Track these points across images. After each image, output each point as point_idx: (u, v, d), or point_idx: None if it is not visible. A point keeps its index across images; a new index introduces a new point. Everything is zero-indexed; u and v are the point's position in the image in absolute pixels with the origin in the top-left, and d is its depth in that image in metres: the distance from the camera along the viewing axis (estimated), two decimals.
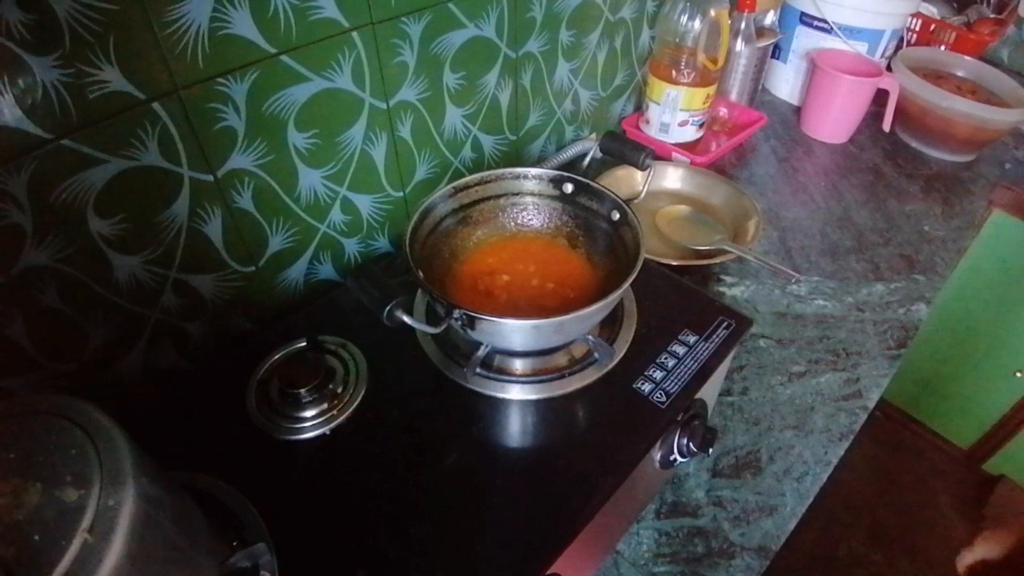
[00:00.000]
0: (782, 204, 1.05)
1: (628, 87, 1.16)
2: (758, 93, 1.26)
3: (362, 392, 0.62)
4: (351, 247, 0.81)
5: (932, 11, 1.38)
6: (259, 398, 0.62)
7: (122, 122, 0.53)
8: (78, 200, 0.52)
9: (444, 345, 0.66)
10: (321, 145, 0.69)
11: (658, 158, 1.11)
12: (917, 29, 1.37)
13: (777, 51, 1.29)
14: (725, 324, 0.66)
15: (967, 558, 0.75)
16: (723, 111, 1.21)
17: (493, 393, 0.62)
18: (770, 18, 1.17)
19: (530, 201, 0.70)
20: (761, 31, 1.15)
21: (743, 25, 1.11)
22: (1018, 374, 1.51)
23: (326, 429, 0.59)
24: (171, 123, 0.56)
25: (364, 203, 0.79)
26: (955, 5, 1.45)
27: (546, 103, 0.99)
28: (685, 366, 0.62)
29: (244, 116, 0.61)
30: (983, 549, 0.78)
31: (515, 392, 0.62)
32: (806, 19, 1.21)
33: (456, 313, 0.55)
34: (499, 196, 0.69)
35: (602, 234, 0.67)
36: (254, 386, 0.63)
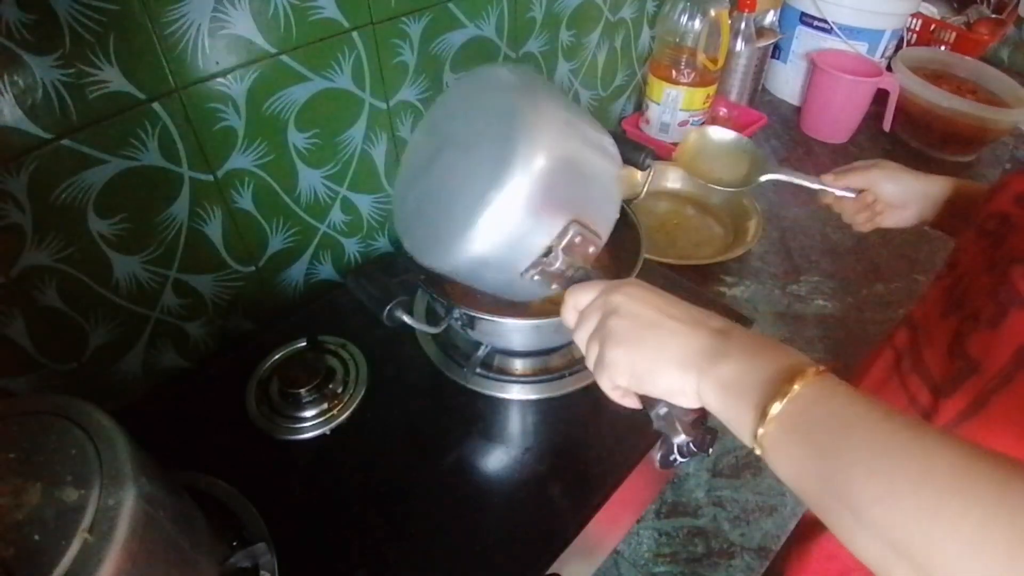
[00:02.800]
0: (782, 204, 1.05)
1: (628, 87, 1.16)
2: (758, 93, 1.26)
3: (362, 392, 0.62)
4: (351, 247, 0.81)
5: (932, 11, 1.38)
6: (259, 398, 0.62)
7: (122, 122, 0.53)
8: (78, 200, 0.52)
9: (444, 345, 0.66)
10: (321, 145, 0.69)
11: (658, 158, 1.11)
12: (917, 29, 1.37)
13: (777, 51, 1.29)
14: None
15: None
16: (723, 111, 1.21)
17: (493, 393, 0.62)
18: (770, 18, 1.17)
19: None
20: (761, 31, 1.15)
21: (743, 25, 1.11)
22: None
23: (326, 429, 0.60)
24: (171, 123, 0.56)
25: (364, 203, 0.79)
26: (955, 5, 1.45)
27: None
28: None
29: (244, 116, 0.61)
30: None
31: (515, 392, 0.62)
32: (806, 19, 1.21)
33: (456, 313, 0.55)
34: None
35: None
36: (254, 386, 0.63)
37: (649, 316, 0.37)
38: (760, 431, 0.32)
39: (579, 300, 0.41)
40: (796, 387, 0.31)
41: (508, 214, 0.39)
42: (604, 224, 0.44)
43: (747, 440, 0.34)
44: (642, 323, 0.37)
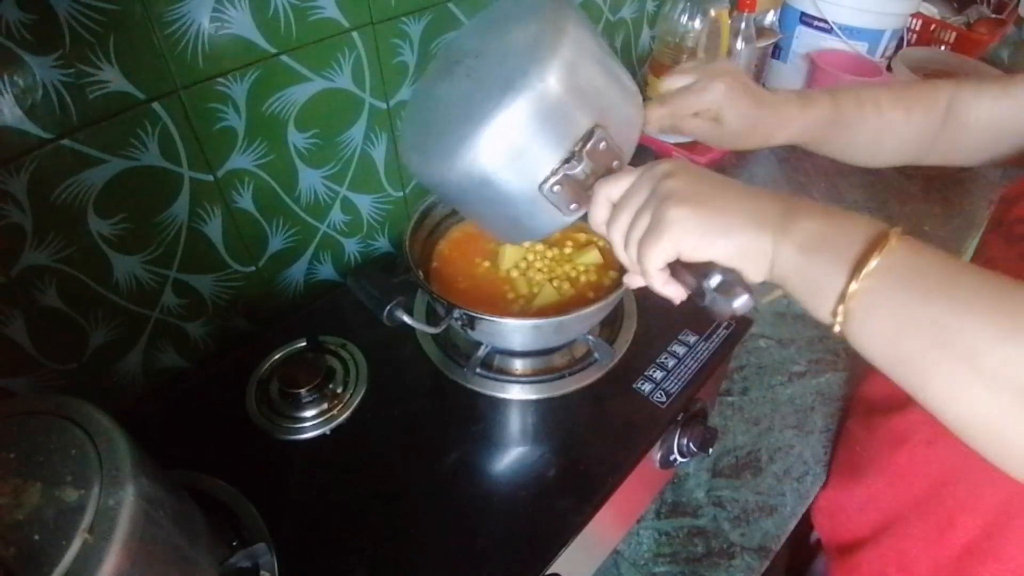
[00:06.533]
0: None
1: None
2: None
3: (362, 392, 0.62)
4: (351, 247, 0.81)
5: (932, 11, 1.38)
6: (259, 398, 0.62)
7: (122, 122, 0.53)
8: (78, 200, 0.52)
9: (444, 345, 0.66)
10: (321, 145, 0.69)
11: (658, 158, 1.11)
12: (917, 29, 1.37)
13: (777, 51, 1.29)
14: (725, 324, 0.66)
15: None
16: None
17: (493, 393, 0.62)
18: (770, 18, 1.17)
19: None
20: (761, 31, 1.15)
21: (743, 25, 1.11)
22: None
23: (326, 429, 0.60)
24: (171, 123, 0.56)
25: (364, 203, 0.79)
26: (955, 5, 1.45)
27: None
28: (685, 366, 0.62)
29: (244, 116, 0.61)
30: None
31: (515, 392, 0.62)
32: (806, 19, 1.21)
33: (456, 313, 0.55)
34: None
35: None
36: (254, 386, 0.63)
37: (709, 178, 0.35)
38: (853, 287, 0.30)
39: (613, 190, 0.39)
40: (892, 240, 0.29)
41: (536, 101, 0.37)
42: (626, 144, 0.42)
43: (829, 304, 0.31)
44: (705, 183, 0.35)
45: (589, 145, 0.40)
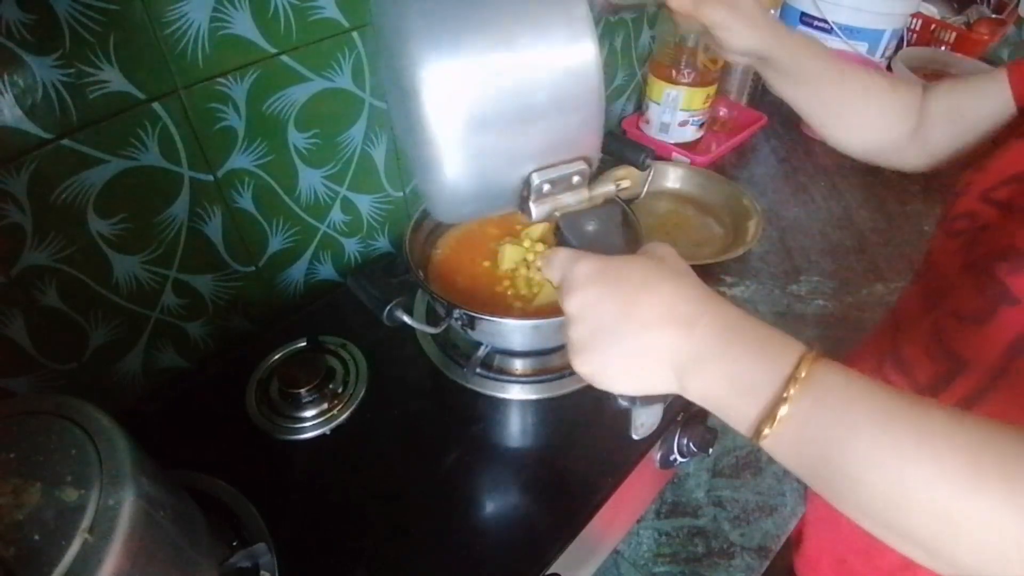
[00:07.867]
0: (782, 204, 1.05)
1: (628, 87, 1.16)
2: (758, 93, 1.26)
3: (362, 392, 0.62)
4: (351, 247, 0.81)
5: (932, 11, 1.38)
6: (259, 398, 0.62)
7: (122, 122, 0.53)
8: (78, 200, 0.52)
9: (444, 345, 0.66)
10: (321, 145, 0.69)
11: (658, 158, 1.11)
12: (917, 29, 1.37)
13: None
14: None
15: None
16: (723, 111, 1.21)
17: (493, 393, 0.62)
18: None
19: None
20: None
21: None
22: None
23: (326, 429, 0.60)
24: (171, 123, 0.56)
25: (364, 203, 0.79)
26: (955, 5, 1.45)
27: None
28: None
29: (244, 116, 0.61)
30: None
31: (515, 392, 0.62)
32: (806, 19, 1.21)
33: (456, 313, 0.55)
34: None
35: None
36: (254, 386, 0.63)
37: (610, 323, 0.34)
38: (766, 431, 0.31)
39: (550, 275, 0.38)
40: (783, 410, 0.30)
41: (454, 189, 0.35)
42: (585, 146, 0.38)
43: (743, 433, 0.33)
44: (604, 334, 0.34)
45: (533, 195, 0.38)
